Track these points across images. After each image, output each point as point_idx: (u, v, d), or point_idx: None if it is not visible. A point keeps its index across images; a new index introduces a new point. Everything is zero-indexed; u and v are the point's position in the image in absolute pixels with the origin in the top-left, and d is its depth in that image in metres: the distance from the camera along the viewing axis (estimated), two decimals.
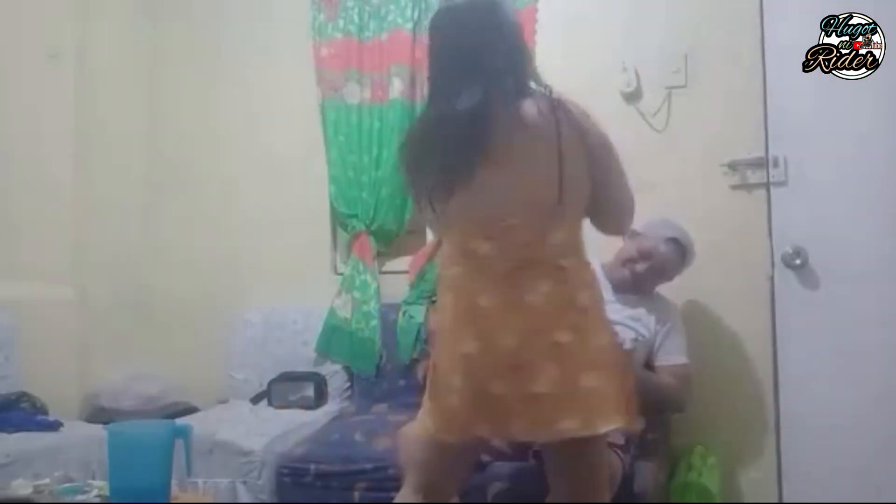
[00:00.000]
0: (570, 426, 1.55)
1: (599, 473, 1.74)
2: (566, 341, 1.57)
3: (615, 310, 2.32)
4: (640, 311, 2.44)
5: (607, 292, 2.41)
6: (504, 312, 1.59)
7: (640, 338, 2.35)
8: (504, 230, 1.62)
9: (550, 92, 1.66)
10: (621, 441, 2.14)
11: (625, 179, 1.73)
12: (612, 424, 1.58)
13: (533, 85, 1.69)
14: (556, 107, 1.61)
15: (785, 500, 2.39)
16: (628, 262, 2.49)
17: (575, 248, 1.67)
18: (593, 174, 1.66)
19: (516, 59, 1.70)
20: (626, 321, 2.36)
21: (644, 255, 2.47)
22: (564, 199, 1.61)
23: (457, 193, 1.63)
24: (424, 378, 1.77)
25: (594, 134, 1.66)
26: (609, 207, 1.73)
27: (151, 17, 3.72)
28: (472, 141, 1.61)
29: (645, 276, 2.47)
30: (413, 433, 1.80)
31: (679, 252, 2.51)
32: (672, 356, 2.43)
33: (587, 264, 1.70)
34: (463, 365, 1.61)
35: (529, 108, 1.63)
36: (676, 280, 2.60)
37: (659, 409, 2.41)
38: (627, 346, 2.22)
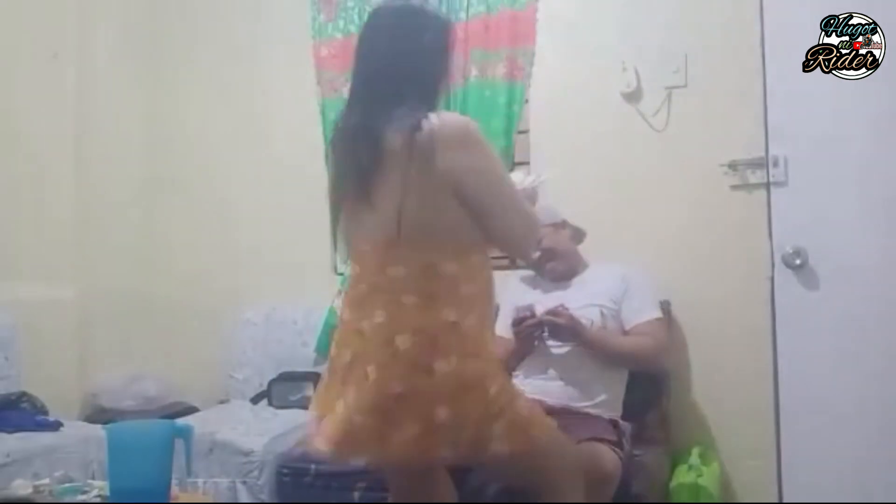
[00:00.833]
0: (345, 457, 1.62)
1: None
2: (369, 377, 1.56)
3: (553, 299, 2.38)
4: (587, 290, 2.44)
5: (544, 290, 2.48)
6: (347, 331, 1.65)
7: (592, 320, 2.35)
8: (361, 255, 1.68)
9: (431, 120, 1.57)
10: (613, 437, 2.14)
11: (515, 207, 1.65)
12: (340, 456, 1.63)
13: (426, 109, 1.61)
14: (420, 139, 1.54)
15: (785, 500, 2.39)
16: (540, 262, 2.50)
17: (421, 286, 1.58)
18: (473, 208, 1.59)
19: (416, 78, 1.64)
20: (580, 307, 2.36)
21: (548, 253, 2.48)
22: (404, 236, 1.57)
23: (342, 208, 1.72)
24: None
25: (468, 168, 1.58)
26: (499, 236, 1.67)
27: (151, 17, 3.72)
28: (353, 161, 1.63)
29: (543, 261, 2.48)
30: None
31: (568, 234, 2.54)
32: (635, 316, 2.41)
33: (436, 307, 1.58)
34: (326, 375, 1.71)
35: (395, 137, 1.56)
36: (676, 279, 2.61)
37: (640, 370, 2.43)
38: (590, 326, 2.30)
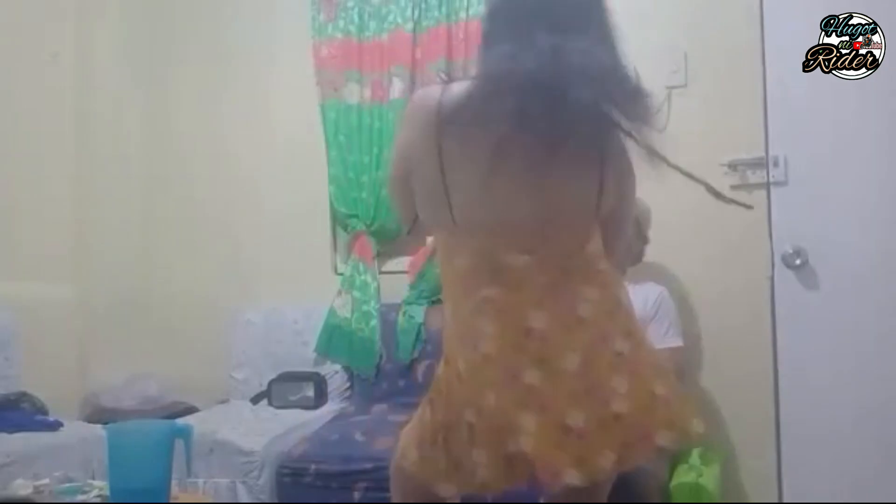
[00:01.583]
0: (658, 442, 1.36)
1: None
2: (626, 349, 1.38)
3: None
4: None
5: None
6: (559, 331, 1.36)
7: None
8: (543, 241, 1.39)
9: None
10: None
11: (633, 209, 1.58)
12: (697, 428, 1.40)
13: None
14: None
15: (785, 500, 2.39)
16: None
17: (603, 252, 1.47)
18: (623, 204, 1.50)
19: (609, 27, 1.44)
20: None
21: None
22: (602, 206, 1.42)
23: (495, 184, 1.35)
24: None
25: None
26: (620, 231, 1.55)
27: (151, 17, 3.72)
28: (545, 119, 1.29)
29: None
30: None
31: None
32: (659, 340, 2.40)
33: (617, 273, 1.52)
34: (528, 400, 1.31)
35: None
36: (676, 279, 2.61)
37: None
38: None
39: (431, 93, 1.42)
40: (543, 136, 1.31)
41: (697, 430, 1.40)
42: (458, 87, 1.38)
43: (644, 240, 2.55)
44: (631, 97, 1.37)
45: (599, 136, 1.37)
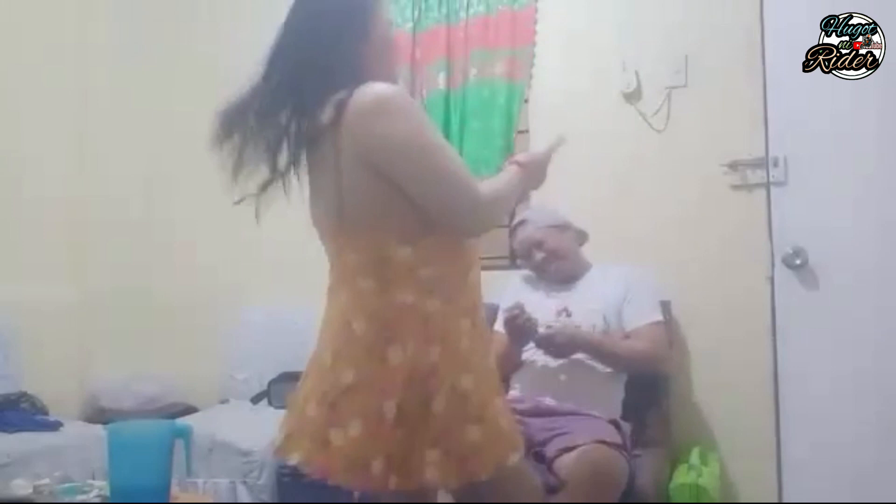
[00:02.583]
0: (286, 452, 1.52)
1: None
2: (326, 364, 1.48)
3: (556, 302, 2.40)
4: (589, 293, 2.43)
5: (547, 292, 2.48)
6: (322, 322, 1.60)
7: (595, 324, 2.35)
8: (323, 242, 1.61)
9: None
10: (618, 440, 2.13)
11: (444, 177, 1.43)
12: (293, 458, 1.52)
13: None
14: (340, 112, 1.44)
15: (785, 500, 2.39)
16: (524, 255, 2.52)
17: (376, 270, 1.46)
18: (399, 183, 1.43)
19: (340, 48, 1.54)
20: (583, 310, 2.37)
21: (535, 245, 2.47)
22: (348, 221, 1.47)
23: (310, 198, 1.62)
24: None
25: (382, 142, 1.42)
26: (433, 210, 1.44)
27: (151, 16, 3.72)
28: (291, 146, 1.56)
29: (546, 264, 2.47)
30: None
31: (571, 235, 2.53)
32: (636, 319, 2.39)
33: (390, 290, 1.45)
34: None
35: (326, 113, 1.47)
36: (676, 279, 2.61)
37: (641, 372, 2.41)
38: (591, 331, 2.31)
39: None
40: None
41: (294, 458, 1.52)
42: None
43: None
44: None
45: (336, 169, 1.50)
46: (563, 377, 2.29)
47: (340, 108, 1.44)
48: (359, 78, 1.47)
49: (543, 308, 2.36)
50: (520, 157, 1.67)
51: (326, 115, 1.47)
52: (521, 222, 2.53)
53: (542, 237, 2.48)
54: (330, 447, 1.43)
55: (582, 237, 2.58)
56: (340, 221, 1.48)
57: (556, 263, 2.47)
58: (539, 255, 2.47)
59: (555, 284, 2.49)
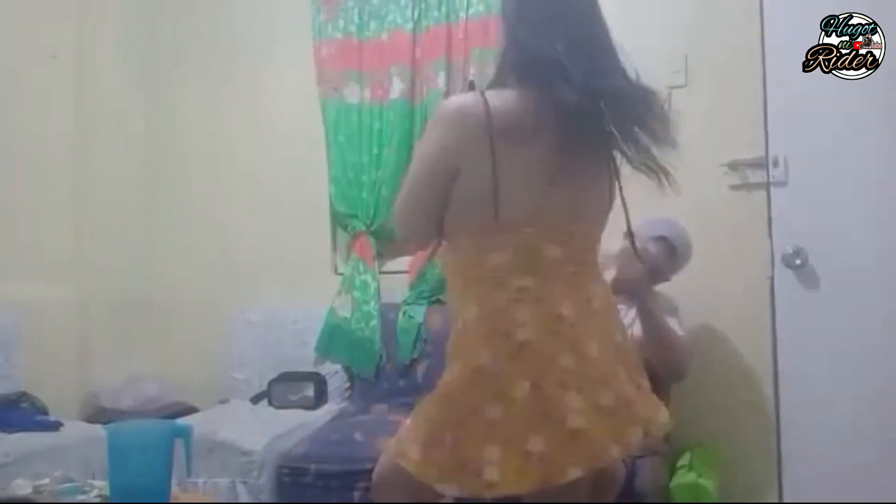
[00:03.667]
0: (638, 431, 1.49)
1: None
2: (621, 342, 1.56)
3: None
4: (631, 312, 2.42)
5: None
6: (583, 319, 1.49)
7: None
8: (569, 235, 1.53)
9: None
10: None
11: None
12: (665, 419, 1.59)
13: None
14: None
15: (785, 500, 2.39)
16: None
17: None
18: None
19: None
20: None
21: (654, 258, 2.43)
22: (605, 213, 1.62)
23: (542, 185, 1.48)
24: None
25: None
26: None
27: (151, 17, 3.72)
28: (588, 129, 1.50)
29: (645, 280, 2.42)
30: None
31: (668, 250, 2.49)
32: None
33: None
34: (566, 381, 1.43)
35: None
36: (676, 279, 2.61)
37: (665, 369, 2.33)
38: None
39: (474, 101, 1.50)
40: (583, 149, 1.50)
41: (666, 421, 1.58)
42: (506, 97, 1.50)
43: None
44: (659, 121, 1.56)
45: (614, 155, 1.55)
46: None
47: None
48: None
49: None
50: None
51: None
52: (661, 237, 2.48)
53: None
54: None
55: (684, 254, 2.56)
56: (607, 215, 1.63)
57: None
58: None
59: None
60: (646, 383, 1.59)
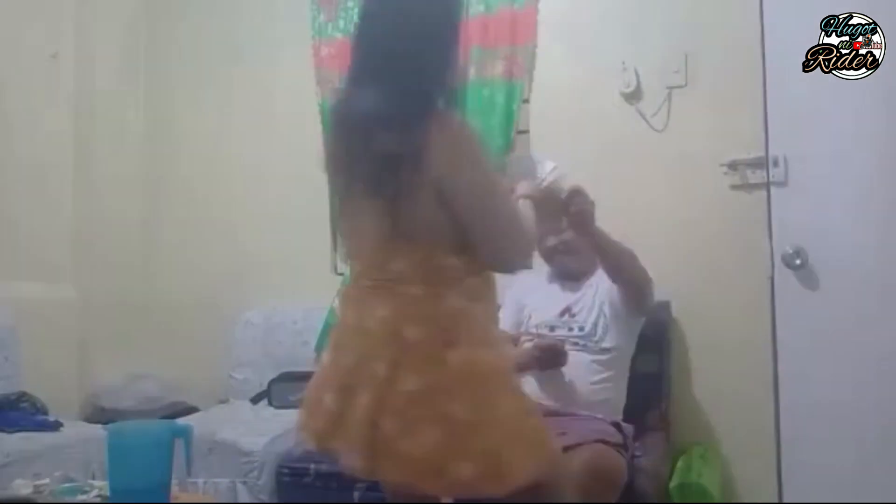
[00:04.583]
0: (355, 463, 1.48)
1: None
2: (380, 374, 1.44)
3: (561, 301, 2.39)
4: (591, 294, 2.40)
5: (557, 289, 2.45)
6: (349, 332, 1.57)
7: (597, 322, 2.33)
8: (360, 251, 1.60)
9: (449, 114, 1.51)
10: (619, 440, 2.13)
11: (506, 227, 1.53)
12: (378, 476, 1.55)
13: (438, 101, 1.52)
14: (417, 137, 1.44)
15: (785, 500, 2.39)
16: (554, 253, 2.43)
17: (427, 276, 1.50)
18: (462, 218, 1.49)
19: (433, 65, 1.53)
20: (586, 310, 2.36)
21: (564, 245, 2.41)
22: (405, 231, 1.49)
23: (345, 202, 1.62)
24: None
25: (459, 178, 1.48)
26: (487, 253, 1.53)
27: (151, 17, 3.73)
28: (356, 155, 1.53)
29: (555, 253, 2.42)
30: None
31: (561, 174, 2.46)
32: None
33: (442, 296, 1.50)
34: (319, 373, 1.60)
35: (395, 133, 1.46)
36: (676, 279, 2.61)
37: (632, 294, 2.30)
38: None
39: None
40: (347, 178, 1.59)
41: (377, 476, 1.59)
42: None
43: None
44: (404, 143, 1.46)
45: (381, 179, 1.49)
46: (565, 379, 2.29)
47: (417, 127, 1.45)
48: (437, 89, 1.52)
49: (550, 305, 2.37)
50: (524, 189, 1.74)
51: (400, 131, 1.46)
52: None
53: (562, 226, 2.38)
54: (411, 458, 1.43)
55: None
56: (396, 230, 1.50)
57: (567, 257, 2.44)
58: (552, 242, 2.42)
59: (563, 280, 2.46)
60: (387, 428, 1.45)
